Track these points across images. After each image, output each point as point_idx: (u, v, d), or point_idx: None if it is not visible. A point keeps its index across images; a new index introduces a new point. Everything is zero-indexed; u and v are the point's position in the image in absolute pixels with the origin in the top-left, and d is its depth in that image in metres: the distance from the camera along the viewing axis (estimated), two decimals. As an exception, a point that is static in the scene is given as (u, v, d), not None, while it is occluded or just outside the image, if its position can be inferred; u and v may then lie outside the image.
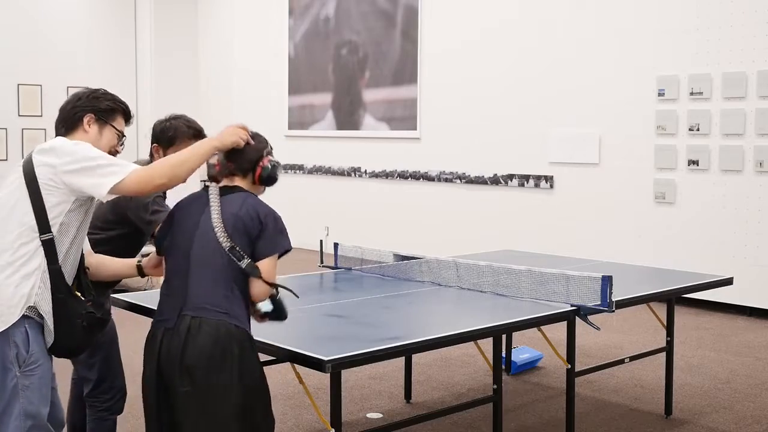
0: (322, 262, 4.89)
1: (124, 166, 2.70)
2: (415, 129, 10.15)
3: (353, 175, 10.96)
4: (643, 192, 8.00)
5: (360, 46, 10.88)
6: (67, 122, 2.90)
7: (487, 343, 3.85)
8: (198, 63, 13.88)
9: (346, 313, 3.68)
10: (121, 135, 2.96)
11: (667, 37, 7.78)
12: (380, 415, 4.75)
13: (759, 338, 6.62)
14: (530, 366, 5.69)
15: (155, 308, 2.89)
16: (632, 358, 4.87)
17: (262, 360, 2.85)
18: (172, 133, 3.43)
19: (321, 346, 3.06)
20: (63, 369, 3.79)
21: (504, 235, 8.62)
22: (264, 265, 2.77)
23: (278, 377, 5.22)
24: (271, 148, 2.98)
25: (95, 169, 2.67)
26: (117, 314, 3.58)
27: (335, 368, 2.86)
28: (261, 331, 3.20)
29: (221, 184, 2.88)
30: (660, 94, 7.82)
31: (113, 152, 2.94)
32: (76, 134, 2.88)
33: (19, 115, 12.45)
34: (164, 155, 3.39)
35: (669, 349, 4.78)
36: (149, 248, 3.27)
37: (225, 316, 2.70)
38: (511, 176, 9.09)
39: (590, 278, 3.80)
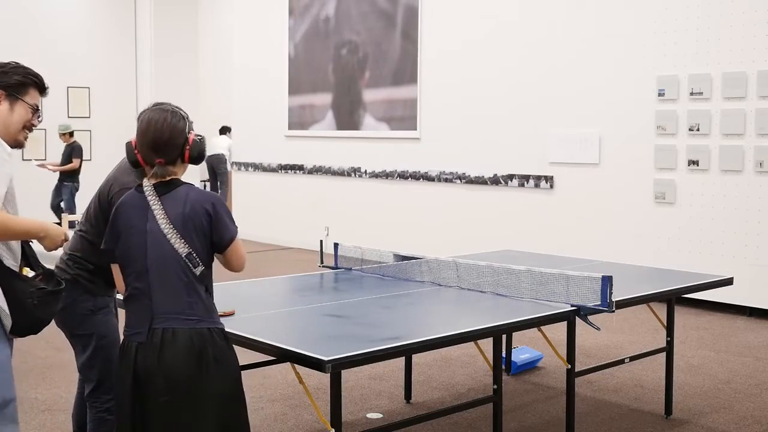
0: (322, 262, 4.90)
1: None
2: (415, 129, 10.15)
3: (353, 175, 10.96)
4: (643, 192, 8.00)
5: (360, 46, 10.88)
6: None
7: (487, 343, 3.85)
8: (198, 63, 13.88)
9: (346, 313, 3.68)
10: (35, 109, 2.92)
11: (667, 37, 7.78)
12: (380, 415, 4.75)
13: (759, 338, 6.62)
14: (530, 366, 5.69)
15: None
16: (632, 358, 4.86)
17: (262, 360, 2.85)
18: None
19: (321, 346, 3.06)
20: (71, 369, 3.80)
21: (504, 235, 8.62)
22: (232, 250, 2.79)
23: (278, 377, 5.23)
24: (187, 115, 2.88)
25: None
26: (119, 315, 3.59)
27: (335, 368, 2.86)
28: (262, 332, 3.20)
29: (155, 181, 2.79)
30: (660, 94, 7.82)
31: (29, 126, 2.90)
32: None
33: (19, 115, 12.45)
34: None
35: (669, 349, 4.78)
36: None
37: (194, 323, 2.71)
38: (511, 176, 9.09)
39: (590, 278, 3.80)
